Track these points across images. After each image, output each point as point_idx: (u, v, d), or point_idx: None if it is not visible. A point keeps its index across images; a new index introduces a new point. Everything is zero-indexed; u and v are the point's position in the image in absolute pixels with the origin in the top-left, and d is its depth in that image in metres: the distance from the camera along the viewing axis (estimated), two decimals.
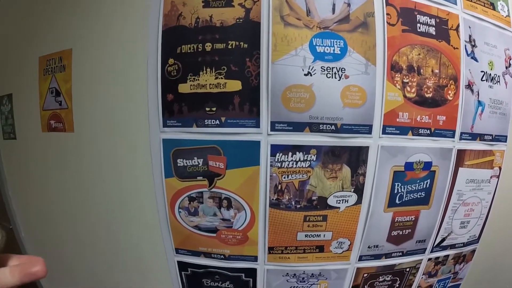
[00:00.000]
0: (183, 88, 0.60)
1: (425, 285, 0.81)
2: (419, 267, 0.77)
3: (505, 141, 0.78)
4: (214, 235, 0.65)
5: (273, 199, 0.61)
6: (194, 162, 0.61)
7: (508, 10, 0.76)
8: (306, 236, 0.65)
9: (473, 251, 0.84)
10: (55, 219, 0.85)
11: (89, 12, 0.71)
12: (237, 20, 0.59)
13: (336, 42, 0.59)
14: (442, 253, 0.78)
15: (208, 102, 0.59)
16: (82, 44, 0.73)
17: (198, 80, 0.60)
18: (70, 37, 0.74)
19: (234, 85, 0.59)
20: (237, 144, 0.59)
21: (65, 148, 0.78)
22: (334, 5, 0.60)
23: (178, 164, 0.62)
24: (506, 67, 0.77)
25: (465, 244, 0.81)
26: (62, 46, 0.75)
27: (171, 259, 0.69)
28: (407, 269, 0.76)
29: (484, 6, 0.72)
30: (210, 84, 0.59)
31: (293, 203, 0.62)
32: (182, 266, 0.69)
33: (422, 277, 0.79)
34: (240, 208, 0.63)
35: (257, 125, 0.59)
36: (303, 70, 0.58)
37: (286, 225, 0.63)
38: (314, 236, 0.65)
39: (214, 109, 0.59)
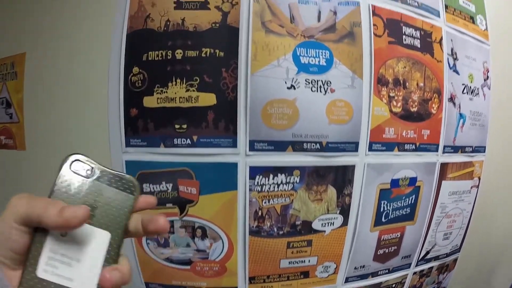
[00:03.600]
0: (149, 101, 0.52)
1: None
2: (404, 282, 0.75)
3: (484, 152, 0.79)
4: (188, 267, 0.58)
5: (253, 226, 0.55)
6: (163, 187, 0.53)
7: (486, 24, 0.77)
8: (290, 263, 0.60)
9: (455, 259, 0.84)
10: None
11: (47, 12, 0.61)
12: (213, 25, 0.52)
13: (321, 52, 0.54)
14: (426, 266, 0.78)
15: (178, 118, 0.52)
16: (36, 48, 0.62)
17: (166, 92, 0.52)
18: (24, 39, 0.63)
19: (208, 99, 0.52)
20: (212, 166, 0.52)
21: (18, 168, 0.66)
22: (319, 12, 0.55)
23: (144, 190, 0.54)
24: (484, 80, 0.78)
25: (448, 254, 0.81)
26: (15, 49, 0.63)
27: None
28: (393, 285, 0.74)
29: (465, 19, 0.72)
30: (180, 97, 0.52)
31: (275, 229, 0.56)
32: None
33: None
34: (216, 238, 0.56)
35: (234, 145, 0.52)
36: (286, 82, 0.52)
37: (268, 253, 0.57)
38: (298, 262, 0.60)
39: (184, 126, 0.52)
